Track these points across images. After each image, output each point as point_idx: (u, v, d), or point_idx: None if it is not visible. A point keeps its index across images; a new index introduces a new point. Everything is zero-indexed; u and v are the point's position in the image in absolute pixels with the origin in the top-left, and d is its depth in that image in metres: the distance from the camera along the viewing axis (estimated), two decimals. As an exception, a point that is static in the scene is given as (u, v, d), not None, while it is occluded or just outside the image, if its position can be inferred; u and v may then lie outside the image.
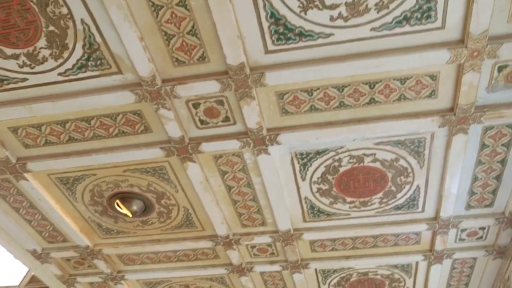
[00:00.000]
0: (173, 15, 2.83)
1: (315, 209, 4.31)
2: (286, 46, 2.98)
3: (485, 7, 2.69)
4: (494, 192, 4.05)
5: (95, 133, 3.62)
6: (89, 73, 3.16)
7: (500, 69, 3.07)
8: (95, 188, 4.20)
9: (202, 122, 3.51)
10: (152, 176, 4.05)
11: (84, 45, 2.99)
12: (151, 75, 3.11)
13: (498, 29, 2.85)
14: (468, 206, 4.22)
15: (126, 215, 4.36)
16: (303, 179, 3.99)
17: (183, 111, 3.42)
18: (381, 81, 3.18)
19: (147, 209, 4.40)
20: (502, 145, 3.60)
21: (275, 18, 2.84)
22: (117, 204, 4.30)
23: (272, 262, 5.11)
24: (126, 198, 4.29)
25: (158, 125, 3.54)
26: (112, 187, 4.18)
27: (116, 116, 3.50)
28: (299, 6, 2.78)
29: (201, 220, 4.53)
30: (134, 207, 4.32)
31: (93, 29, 2.89)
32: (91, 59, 3.06)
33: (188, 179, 4.00)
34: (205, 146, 3.66)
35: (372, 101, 3.31)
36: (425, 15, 2.80)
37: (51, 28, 2.89)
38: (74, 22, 2.86)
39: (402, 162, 3.77)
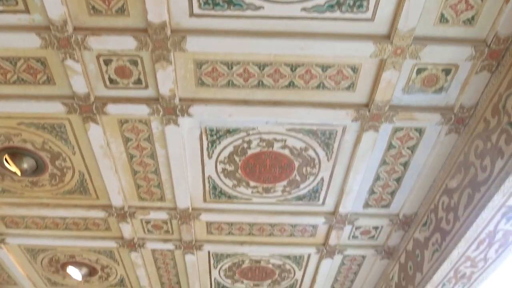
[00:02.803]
0: (96, -44, 2.59)
1: (217, 190, 4.20)
2: (212, 12, 2.84)
3: (416, 5, 2.72)
4: (392, 193, 4.17)
5: (-11, 76, 3.27)
6: (-10, 7, 2.83)
7: (418, 71, 3.13)
8: (-19, 138, 3.82)
9: (111, 81, 3.28)
10: (49, 134, 3.75)
11: (-12, -28, 2.66)
12: (62, 20, 2.84)
13: (424, 30, 2.89)
14: (366, 205, 4.32)
15: (14, 173, 4.02)
16: (210, 157, 3.86)
17: (92, 65, 3.17)
18: (303, 65, 3.13)
19: (38, 169, 4.08)
20: (408, 147, 3.70)
21: (206, -21, 2.69)
22: (6, 159, 3.96)
23: (165, 240, 4.97)
24: (16, 154, 3.96)
25: (62, 77, 3.26)
26: (2, 140, 3.82)
27: (17, 60, 3.18)
28: (232, -29, 2.66)
29: (96, 187, 4.28)
30: (25, 165, 4.00)
31: (2, -45, 2.59)
32: (-5, -10, 2.74)
33: (88, 142, 3.76)
34: (111, 108, 3.44)
35: (291, 85, 3.25)
36: (357, 3, 2.77)
37: None
38: None
39: (310, 152, 3.76)
